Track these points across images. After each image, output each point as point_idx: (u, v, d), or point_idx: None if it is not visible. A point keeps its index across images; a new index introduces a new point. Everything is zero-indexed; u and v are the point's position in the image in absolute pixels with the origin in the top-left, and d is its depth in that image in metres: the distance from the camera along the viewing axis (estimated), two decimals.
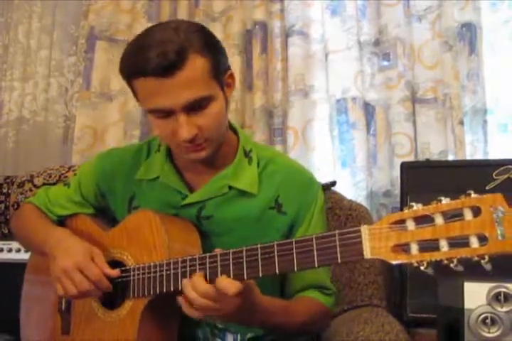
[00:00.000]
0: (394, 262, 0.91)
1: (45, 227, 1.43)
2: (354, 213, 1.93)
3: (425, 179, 1.94)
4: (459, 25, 2.24)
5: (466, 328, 1.51)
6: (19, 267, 1.81)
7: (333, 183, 2.00)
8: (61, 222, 1.49)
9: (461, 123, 2.18)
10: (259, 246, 1.07)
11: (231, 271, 1.09)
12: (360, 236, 0.94)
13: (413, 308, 1.85)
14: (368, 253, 0.93)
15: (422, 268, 0.88)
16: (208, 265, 1.13)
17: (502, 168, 1.87)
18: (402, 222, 0.91)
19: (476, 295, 1.52)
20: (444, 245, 0.87)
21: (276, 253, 1.04)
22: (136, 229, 1.29)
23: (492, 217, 0.83)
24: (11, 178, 2.27)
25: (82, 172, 1.50)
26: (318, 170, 2.32)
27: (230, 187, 1.30)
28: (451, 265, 0.86)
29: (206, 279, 1.10)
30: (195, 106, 1.16)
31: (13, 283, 1.60)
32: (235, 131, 1.36)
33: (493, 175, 1.87)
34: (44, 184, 2.16)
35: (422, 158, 2.21)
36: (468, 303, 1.52)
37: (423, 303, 1.81)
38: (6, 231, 2.20)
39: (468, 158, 2.17)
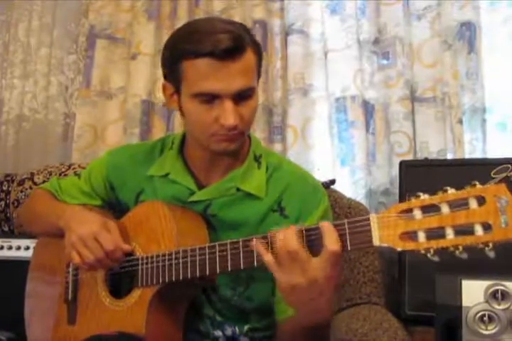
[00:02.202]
0: (402, 249, 0.94)
1: (59, 204, 1.46)
2: (353, 211, 1.93)
3: (424, 177, 1.95)
4: (458, 24, 2.24)
5: (464, 326, 1.52)
6: (19, 265, 1.82)
7: (333, 181, 2.01)
8: None
9: (460, 122, 2.19)
10: (269, 234, 1.09)
11: (241, 259, 1.12)
12: (369, 225, 0.97)
13: (411, 306, 1.85)
14: (376, 241, 0.96)
15: (428, 255, 0.91)
16: (217, 253, 1.15)
17: (500, 167, 1.88)
18: (410, 210, 0.94)
19: (473, 292, 1.53)
20: (450, 233, 0.90)
21: None
22: (145, 219, 1.32)
23: (496, 206, 0.87)
24: (11, 176, 2.27)
25: (93, 165, 1.52)
26: (318, 169, 2.32)
27: (238, 189, 1.31)
28: (457, 252, 0.89)
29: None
30: (242, 95, 1.19)
31: (14, 280, 1.61)
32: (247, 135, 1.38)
33: (492, 173, 1.87)
34: (44, 181, 2.16)
35: (420, 156, 2.22)
36: (466, 301, 1.53)
37: (421, 301, 1.82)
38: (6, 229, 2.20)
39: (466, 156, 2.17)
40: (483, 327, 1.51)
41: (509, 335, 1.50)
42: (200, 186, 1.35)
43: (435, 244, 0.91)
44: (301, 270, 1.01)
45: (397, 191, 2.06)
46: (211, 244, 1.18)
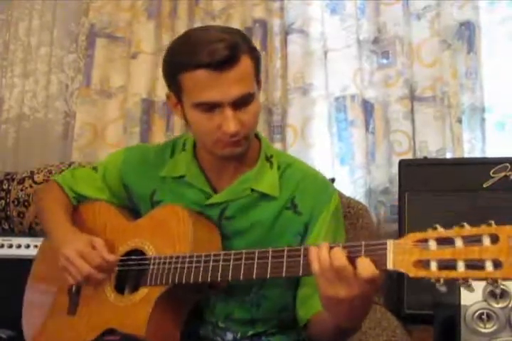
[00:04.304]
0: (414, 276, 0.96)
1: (57, 220, 1.46)
2: (352, 210, 1.94)
3: (423, 177, 1.96)
4: (457, 23, 2.26)
5: (463, 324, 1.53)
6: (19, 263, 1.83)
7: (332, 180, 2.01)
8: (78, 204, 1.53)
9: (459, 121, 2.19)
10: (286, 248, 1.12)
11: (254, 269, 1.14)
12: (385, 248, 0.99)
13: (410, 305, 1.86)
14: (390, 265, 0.98)
15: (437, 284, 0.93)
16: (232, 262, 1.17)
17: (499, 166, 1.89)
18: (425, 240, 0.96)
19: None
20: (461, 266, 0.92)
21: (302, 256, 1.09)
22: (163, 221, 1.33)
23: (509, 246, 0.89)
24: (12, 175, 2.28)
25: (109, 160, 1.54)
26: (318, 169, 2.33)
27: (252, 190, 1.33)
28: (465, 285, 0.92)
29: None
30: (242, 102, 1.21)
31: (14, 279, 1.61)
32: (256, 137, 1.39)
33: (491, 173, 1.88)
34: (44, 180, 2.17)
35: (420, 155, 2.23)
36: (465, 300, 1.54)
37: (420, 300, 1.83)
38: (7, 227, 2.21)
39: (465, 156, 2.18)
40: (481, 325, 1.52)
41: (507, 333, 1.51)
42: (215, 189, 1.36)
43: (445, 275, 0.93)
44: (347, 285, 1.02)
45: (396, 190, 2.07)
46: (227, 251, 1.20)
